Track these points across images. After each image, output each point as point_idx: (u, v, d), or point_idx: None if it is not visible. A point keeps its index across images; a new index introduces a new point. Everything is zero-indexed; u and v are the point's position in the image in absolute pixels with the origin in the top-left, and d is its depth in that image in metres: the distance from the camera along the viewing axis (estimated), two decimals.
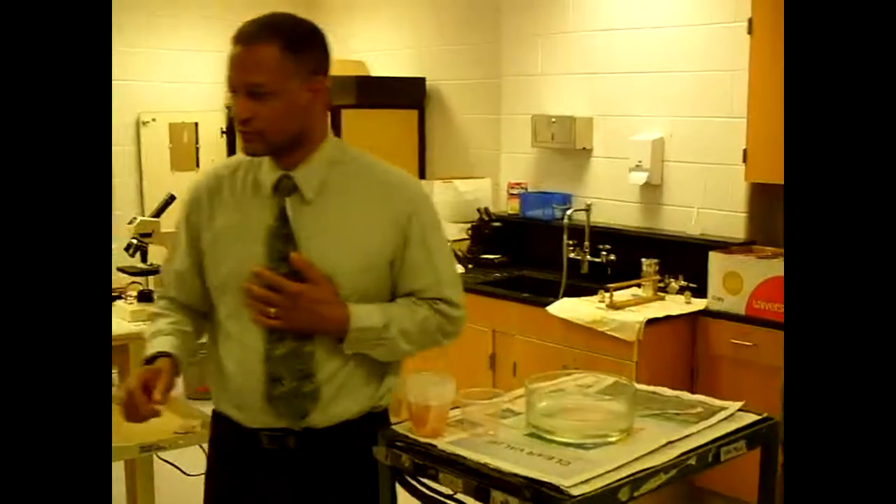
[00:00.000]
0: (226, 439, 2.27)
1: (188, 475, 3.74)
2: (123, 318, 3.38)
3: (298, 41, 2.04)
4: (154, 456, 3.70)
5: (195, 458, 3.61)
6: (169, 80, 6.84)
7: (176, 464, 3.74)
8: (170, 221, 3.60)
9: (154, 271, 3.54)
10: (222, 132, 7.01)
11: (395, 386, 2.23)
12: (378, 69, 6.66)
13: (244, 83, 2.01)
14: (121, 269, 3.59)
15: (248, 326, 2.09)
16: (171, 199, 3.62)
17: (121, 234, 4.62)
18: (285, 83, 2.01)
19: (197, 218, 2.17)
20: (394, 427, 2.11)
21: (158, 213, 3.56)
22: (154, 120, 6.75)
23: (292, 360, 2.09)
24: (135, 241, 3.46)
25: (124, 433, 3.30)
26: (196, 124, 6.93)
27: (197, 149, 6.94)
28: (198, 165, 6.93)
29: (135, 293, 3.53)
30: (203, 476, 2.50)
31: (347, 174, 2.14)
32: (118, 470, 3.98)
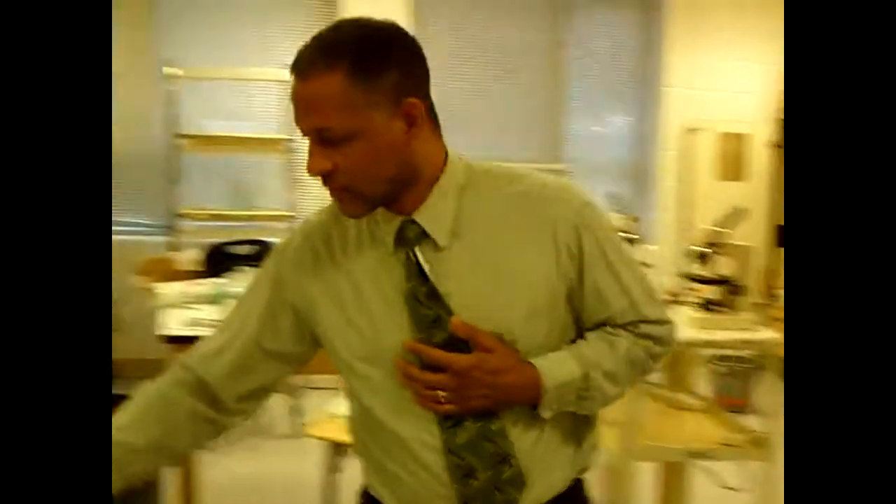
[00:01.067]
0: None
1: (723, 488, 3.75)
2: (686, 324, 3.42)
3: (370, 59, 1.49)
4: (692, 463, 3.75)
5: (731, 471, 3.62)
6: (719, 90, 6.88)
7: (713, 475, 3.75)
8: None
9: (719, 281, 3.54)
10: (770, 144, 6.90)
11: (598, 443, 1.82)
12: None
13: (311, 128, 1.51)
14: (684, 275, 3.64)
15: (410, 415, 1.63)
16: (740, 211, 3.61)
17: (665, 239, 4.66)
18: (364, 120, 1.50)
19: (297, 281, 1.71)
20: None
21: (727, 224, 3.55)
22: (702, 128, 6.81)
23: (481, 444, 1.62)
24: (703, 249, 3.48)
25: (670, 437, 3.38)
26: (744, 135, 6.88)
27: (744, 160, 6.89)
28: (743, 176, 6.89)
29: (696, 299, 3.57)
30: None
31: (484, 199, 1.64)
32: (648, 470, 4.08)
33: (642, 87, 6.84)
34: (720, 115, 6.85)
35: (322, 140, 1.50)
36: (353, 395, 1.72)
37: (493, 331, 1.58)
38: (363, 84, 1.47)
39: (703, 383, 5.94)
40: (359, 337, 1.64)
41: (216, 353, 1.73)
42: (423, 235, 1.61)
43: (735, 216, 3.57)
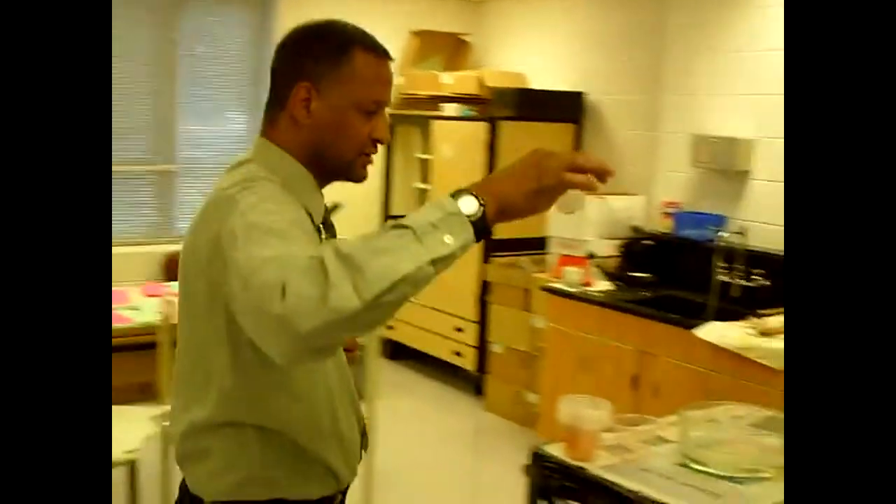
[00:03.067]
0: None
1: None
2: None
3: None
4: None
5: None
6: None
7: None
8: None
9: None
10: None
11: None
12: (538, 82, 6.68)
13: (388, 103, 1.84)
14: None
15: (327, 369, 1.84)
16: (337, 206, 3.70)
17: None
18: None
19: None
20: (545, 447, 2.12)
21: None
22: None
23: (354, 397, 1.94)
24: None
25: None
26: None
27: None
28: None
29: None
30: None
31: None
32: None
33: (256, 86, 6.83)
34: None
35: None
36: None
37: None
38: None
39: None
40: None
41: None
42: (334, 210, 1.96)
43: (331, 210, 3.66)
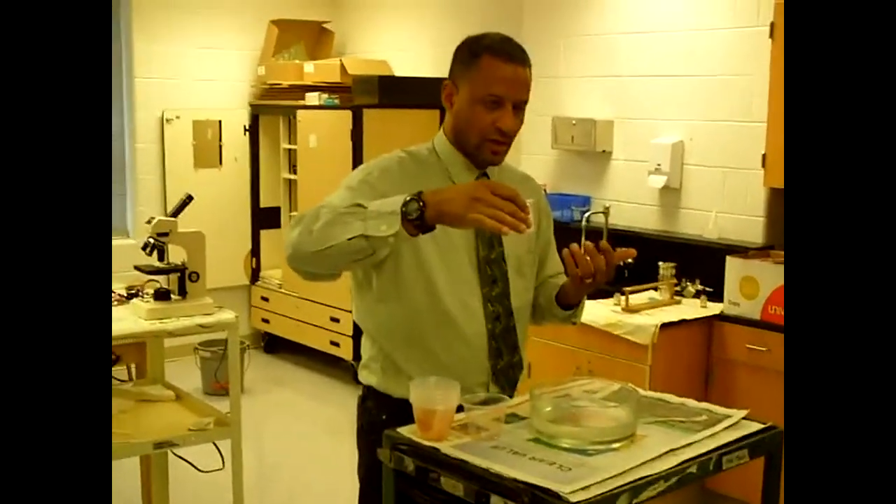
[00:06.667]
0: None
1: (202, 471, 3.79)
2: (140, 316, 3.40)
3: None
4: (168, 452, 3.75)
5: (208, 456, 3.67)
6: (193, 78, 6.89)
7: (190, 460, 3.78)
8: (187, 221, 3.64)
9: (171, 270, 3.56)
10: (245, 130, 7.05)
11: None
12: (401, 69, 6.67)
13: (515, 99, 2.22)
14: (138, 268, 3.62)
15: (468, 311, 2.32)
16: (189, 199, 3.63)
17: (142, 232, 4.68)
18: None
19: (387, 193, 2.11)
20: (398, 430, 2.12)
21: (176, 212, 3.57)
22: (178, 117, 6.80)
23: (507, 335, 2.41)
24: (152, 241, 3.47)
25: (140, 429, 3.35)
26: (220, 122, 6.98)
27: (220, 146, 6.99)
28: (221, 163, 6.99)
29: (151, 291, 3.56)
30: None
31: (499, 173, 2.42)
32: (133, 466, 4.03)
33: (114, 79, 6.66)
34: (193, 104, 6.87)
35: (515, 109, 2.22)
36: (422, 305, 2.29)
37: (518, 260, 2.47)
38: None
39: (188, 372, 5.98)
40: (439, 249, 2.27)
41: None
42: None
43: (183, 204, 3.60)
